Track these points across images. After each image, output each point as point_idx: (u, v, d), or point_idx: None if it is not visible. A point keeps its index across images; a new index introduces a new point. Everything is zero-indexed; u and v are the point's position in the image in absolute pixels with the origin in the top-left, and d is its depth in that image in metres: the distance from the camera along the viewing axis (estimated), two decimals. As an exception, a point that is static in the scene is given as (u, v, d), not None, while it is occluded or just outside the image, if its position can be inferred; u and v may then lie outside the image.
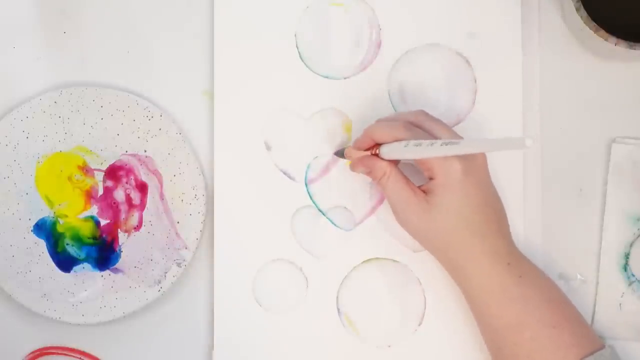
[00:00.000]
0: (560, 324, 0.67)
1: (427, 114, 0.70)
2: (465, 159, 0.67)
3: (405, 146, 0.66)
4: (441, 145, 0.63)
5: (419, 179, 0.70)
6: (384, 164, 0.69)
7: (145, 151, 0.76)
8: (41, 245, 0.75)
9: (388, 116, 0.72)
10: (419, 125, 0.69)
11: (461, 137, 0.69)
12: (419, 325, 0.75)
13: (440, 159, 0.67)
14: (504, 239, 0.69)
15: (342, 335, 0.75)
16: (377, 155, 0.69)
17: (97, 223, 0.76)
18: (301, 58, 0.76)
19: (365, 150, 0.71)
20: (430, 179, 0.68)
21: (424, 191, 0.68)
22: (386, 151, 0.68)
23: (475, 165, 0.67)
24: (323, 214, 0.76)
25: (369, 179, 0.74)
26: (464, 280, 0.69)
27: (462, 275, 0.68)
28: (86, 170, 0.76)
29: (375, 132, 0.69)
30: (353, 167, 0.72)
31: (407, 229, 0.69)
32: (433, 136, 0.68)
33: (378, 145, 0.69)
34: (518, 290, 0.67)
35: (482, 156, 0.68)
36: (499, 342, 0.68)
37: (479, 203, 0.67)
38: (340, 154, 0.74)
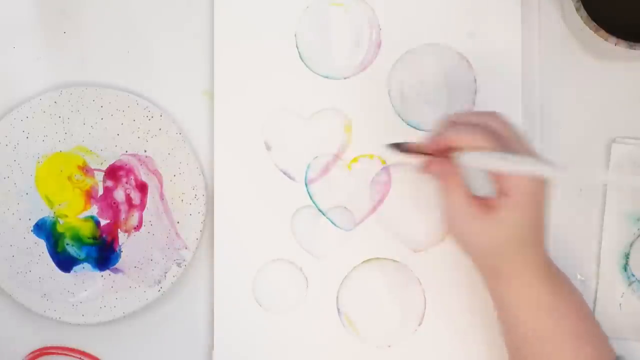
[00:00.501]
0: (584, 336, 0.67)
1: (503, 120, 0.67)
2: (539, 178, 0.65)
3: (488, 157, 0.64)
4: (530, 164, 0.62)
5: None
6: (459, 170, 0.66)
7: (145, 151, 0.76)
8: (41, 245, 0.75)
9: (460, 115, 0.68)
10: (497, 132, 0.66)
11: (537, 153, 0.67)
12: (419, 325, 0.75)
13: (517, 177, 0.65)
14: (545, 251, 0.68)
15: (342, 335, 0.75)
16: (447, 157, 0.67)
17: (97, 223, 0.76)
18: (301, 58, 0.76)
19: (435, 151, 0.67)
20: (501, 193, 0.65)
21: (489, 205, 0.66)
22: (467, 159, 0.65)
23: (543, 184, 0.66)
24: (323, 214, 0.76)
25: (369, 179, 0.75)
26: (501, 286, 0.68)
27: (500, 282, 0.67)
28: (86, 170, 0.76)
29: (453, 137, 0.65)
30: (426, 169, 0.69)
31: (456, 236, 0.68)
32: (511, 146, 0.65)
33: (452, 148, 0.66)
34: (551, 302, 0.67)
35: None
36: (519, 344, 0.68)
37: (538, 221, 0.66)
38: (398, 147, 0.70)
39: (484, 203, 0.66)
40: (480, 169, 0.66)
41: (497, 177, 0.66)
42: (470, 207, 0.66)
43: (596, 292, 0.75)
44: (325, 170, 0.76)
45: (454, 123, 0.67)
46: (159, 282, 0.75)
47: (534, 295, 0.67)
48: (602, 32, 0.70)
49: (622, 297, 0.75)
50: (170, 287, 0.75)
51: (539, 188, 0.66)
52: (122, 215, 0.76)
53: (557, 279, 0.68)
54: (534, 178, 0.65)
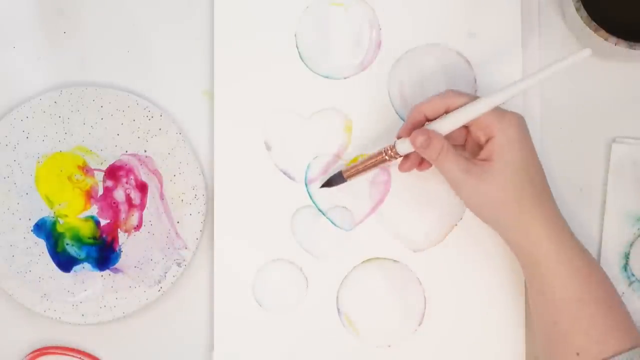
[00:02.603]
0: (617, 306, 0.67)
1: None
2: (520, 114, 0.68)
3: (459, 111, 0.67)
4: (499, 91, 0.66)
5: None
6: (442, 136, 0.68)
7: (145, 151, 0.76)
8: (41, 245, 0.75)
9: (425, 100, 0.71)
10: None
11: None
12: (419, 325, 0.75)
13: (497, 117, 0.67)
14: (554, 207, 0.69)
15: (342, 335, 0.75)
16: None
17: (97, 223, 0.76)
18: (301, 58, 0.76)
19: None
20: (487, 141, 0.68)
21: (482, 160, 0.68)
22: (442, 123, 0.68)
23: (526, 122, 0.68)
24: (323, 214, 0.76)
25: (369, 179, 0.75)
26: (531, 247, 0.67)
27: (530, 241, 0.67)
28: (86, 170, 0.76)
29: (426, 107, 0.69)
30: (413, 140, 0.68)
31: (470, 202, 0.68)
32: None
33: (429, 121, 0.69)
34: (583, 263, 0.67)
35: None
36: (556, 316, 0.67)
37: (537, 161, 0.68)
38: (335, 180, 0.74)
39: (479, 161, 0.68)
40: (457, 125, 0.68)
41: (478, 125, 0.68)
42: (471, 168, 0.67)
43: (596, 292, 0.75)
44: (325, 170, 0.76)
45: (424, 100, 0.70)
46: (159, 282, 0.75)
47: (565, 255, 0.67)
48: (602, 32, 0.70)
49: (622, 297, 0.75)
50: (170, 287, 0.75)
51: (524, 124, 0.68)
52: (122, 215, 0.76)
53: (580, 242, 0.68)
54: (515, 113, 0.68)
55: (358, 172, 0.73)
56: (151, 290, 0.75)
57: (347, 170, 0.73)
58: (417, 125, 0.70)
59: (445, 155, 0.68)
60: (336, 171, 0.74)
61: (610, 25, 0.70)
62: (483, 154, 0.68)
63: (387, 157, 0.71)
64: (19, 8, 0.77)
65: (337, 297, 0.75)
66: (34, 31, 0.77)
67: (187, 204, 0.75)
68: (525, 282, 0.73)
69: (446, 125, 0.68)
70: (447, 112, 0.69)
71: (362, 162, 0.73)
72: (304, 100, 0.76)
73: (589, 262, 0.68)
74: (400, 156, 0.71)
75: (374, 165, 0.72)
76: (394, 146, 0.71)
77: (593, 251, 0.75)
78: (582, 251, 0.68)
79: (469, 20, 0.76)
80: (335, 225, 0.76)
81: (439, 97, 0.69)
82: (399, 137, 0.71)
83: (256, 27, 0.76)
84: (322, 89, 0.76)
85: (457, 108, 0.68)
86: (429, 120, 0.69)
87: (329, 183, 0.74)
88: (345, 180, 0.74)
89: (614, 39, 0.70)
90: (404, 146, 0.70)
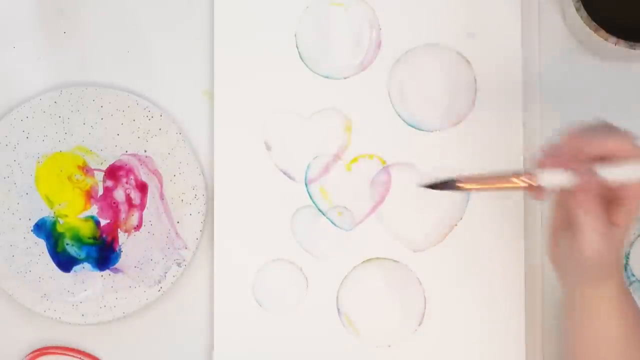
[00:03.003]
0: None
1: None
2: None
3: (634, 167, 0.59)
4: None
5: None
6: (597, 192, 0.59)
7: (145, 151, 0.76)
8: (41, 245, 0.75)
9: (574, 130, 0.62)
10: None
11: None
12: (419, 325, 0.75)
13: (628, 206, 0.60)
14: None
15: (342, 335, 0.75)
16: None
17: (97, 223, 0.76)
18: (301, 58, 0.76)
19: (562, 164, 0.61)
20: (617, 204, 0.61)
21: (612, 223, 0.61)
22: (615, 171, 0.60)
23: None
24: (323, 214, 0.76)
25: (369, 179, 0.75)
26: (591, 294, 0.64)
27: (593, 289, 0.64)
28: (86, 170, 0.76)
29: (590, 146, 0.60)
30: (588, 177, 0.59)
31: (582, 257, 0.61)
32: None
33: (587, 160, 0.60)
34: (628, 304, 0.65)
35: None
36: (590, 354, 0.65)
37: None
38: (445, 185, 0.65)
39: (612, 231, 0.61)
40: (626, 180, 0.60)
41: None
42: (601, 238, 0.60)
43: (596, 292, 0.75)
44: (325, 170, 0.76)
45: (583, 131, 0.62)
46: (159, 282, 0.75)
47: (619, 303, 0.64)
48: (602, 32, 0.70)
49: (622, 297, 0.74)
50: (170, 287, 0.75)
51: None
52: (122, 215, 0.76)
53: (623, 278, 0.66)
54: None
55: (473, 189, 0.65)
56: (151, 290, 0.75)
57: (462, 181, 0.65)
58: (572, 158, 0.61)
59: (596, 206, 0.60)
60: (449, 177, 0.65)
61: (610, 25, 0.70)
62: (613, 218, 0.61)
63: (520, 184, 0.62)
64: (19, 8, 0.77)
65: (337, 297, 0.75)
66: (34, 31, 0.77)
67: (187, 204, 0.75)
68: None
69: (611, 176, 0.60)
70: (607, 157, 0.60)
71: (484, 180, 0.64)
72: (304, 100, 0.76)
73: (631, 303, 0.65)
74: (535, 186, 0.62)
75: (499, 189, 0.64)
76: (531, 174, 0.62)
77: (593, 251, 0.75)
78: (627, 291, 0.66)
79: (469, 20, 0.76)
80: (335, 225, 0.76)
81: (607, 139, 0.60)
82: (542, 167, 0.62)
83: (256, 27, 0.76)
84: (322, 89, 0.76)
85: (622, 157, 0.60)
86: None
87: (435, 186, 0.66)
88: (454, 189, 0.65)
89: (614, 39, 0.70)
90: (553, 179, 0.61)
